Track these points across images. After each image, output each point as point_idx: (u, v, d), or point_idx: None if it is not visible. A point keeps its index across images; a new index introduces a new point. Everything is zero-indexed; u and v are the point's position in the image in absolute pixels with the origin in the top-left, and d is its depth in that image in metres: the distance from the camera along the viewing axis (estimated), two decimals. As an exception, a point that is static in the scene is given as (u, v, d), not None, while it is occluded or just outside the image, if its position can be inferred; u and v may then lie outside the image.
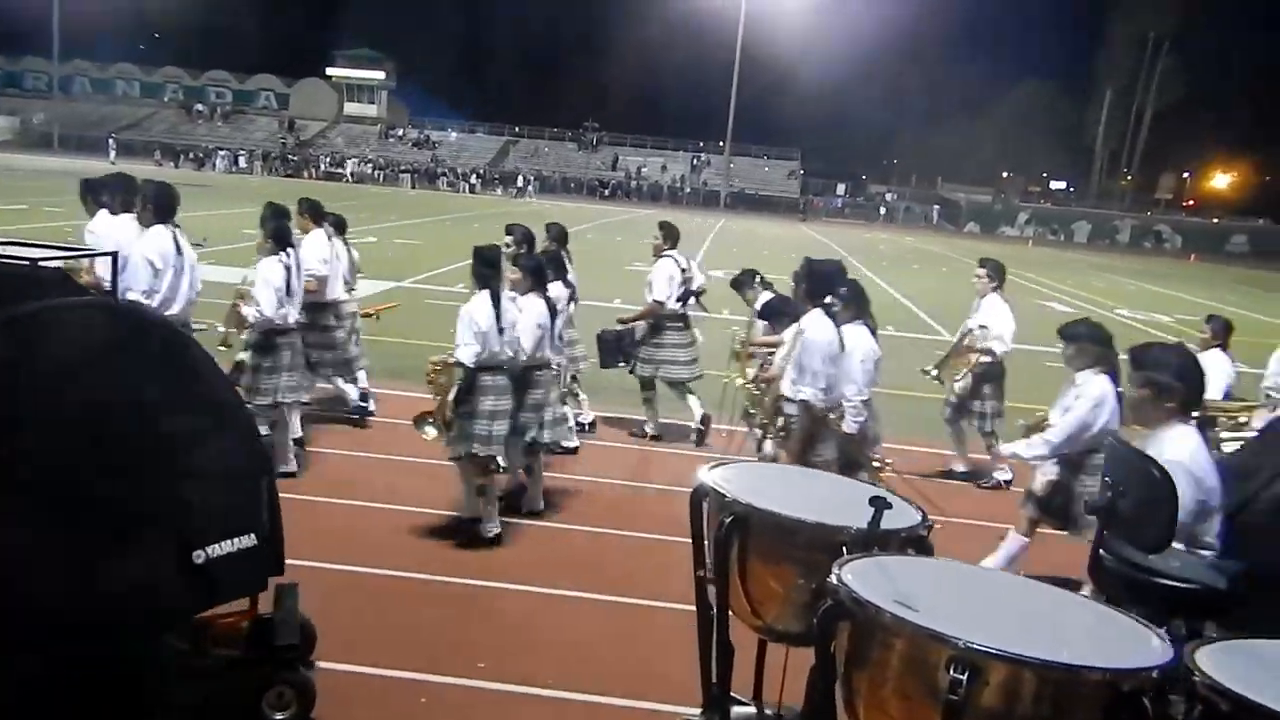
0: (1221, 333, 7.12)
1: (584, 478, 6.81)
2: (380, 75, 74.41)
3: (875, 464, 5.43)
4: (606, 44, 74.87)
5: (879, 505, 2.48)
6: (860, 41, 64.86)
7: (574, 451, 7.21)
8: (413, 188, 56.65)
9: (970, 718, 1.91)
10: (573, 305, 7.16)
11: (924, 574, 2.39)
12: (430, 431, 5.36)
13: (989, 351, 7.19)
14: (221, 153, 60.23)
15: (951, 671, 1.90)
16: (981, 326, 7.27)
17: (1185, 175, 70.82)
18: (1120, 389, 4.74)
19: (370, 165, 61.88)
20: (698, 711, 3.03)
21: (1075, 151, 70.01)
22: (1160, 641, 2.07)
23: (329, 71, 74.48)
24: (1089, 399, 4.82)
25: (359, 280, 8.35)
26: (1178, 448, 3.33)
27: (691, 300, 8.08)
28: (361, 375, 7.81)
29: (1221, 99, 63.23)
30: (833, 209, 64.58)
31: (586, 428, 7.87)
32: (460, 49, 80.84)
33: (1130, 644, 2.05)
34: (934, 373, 7.43)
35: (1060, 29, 75.76)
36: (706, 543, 2.88)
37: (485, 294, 5.35)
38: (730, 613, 2.84)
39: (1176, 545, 3.00)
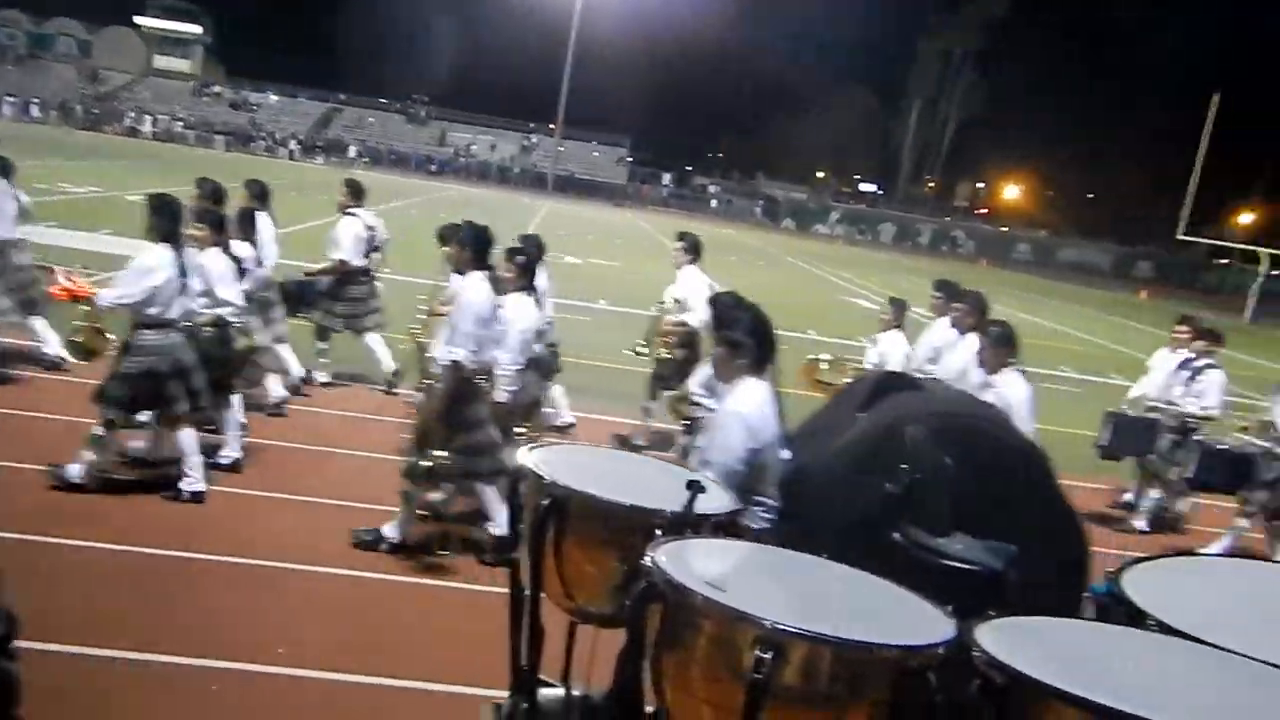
0: (898, 315, 7.74)
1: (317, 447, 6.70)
2: (195, 29, 69.83)
3: (520, 433, 5.58)
4: (439, 15, 73.04)
5: (694, 489, 2.52)
6: (693, 34, 66.17)
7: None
8: (227, 150, 53.56)
9: (772, 695, 1.98)
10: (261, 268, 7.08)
11: (734, 557, 2.45)
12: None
13: (684, 324, 7.39)
14: (9, 99, 55.05)
15: (757, 651, 1.95)
16: (676, 300, 7.56)
17: (980, 185, 76.09)
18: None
19: (181, 124, 58.05)
20: (505, 694, 3.01)
21: (885, 156, 73.95)
22: (947, 620, 2.20)
23: (137, 20, 69.24)
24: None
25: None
26: (742, 399, 3.54)
27: (375, 255, 8.48)
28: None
29: (1015, 117, 68.26)
30: (658, 198, 65.56)
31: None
32: (284, 8, 76.88)
33: (920, 622, 2.17)
34: (643, 348, 7.75)
35: (878, 38, 79.66)
36: (522, 525, 2.85)
37: (165, 247, 5.25)
38: (542, 595, 2.83)
39: (765, 499, 3.39)
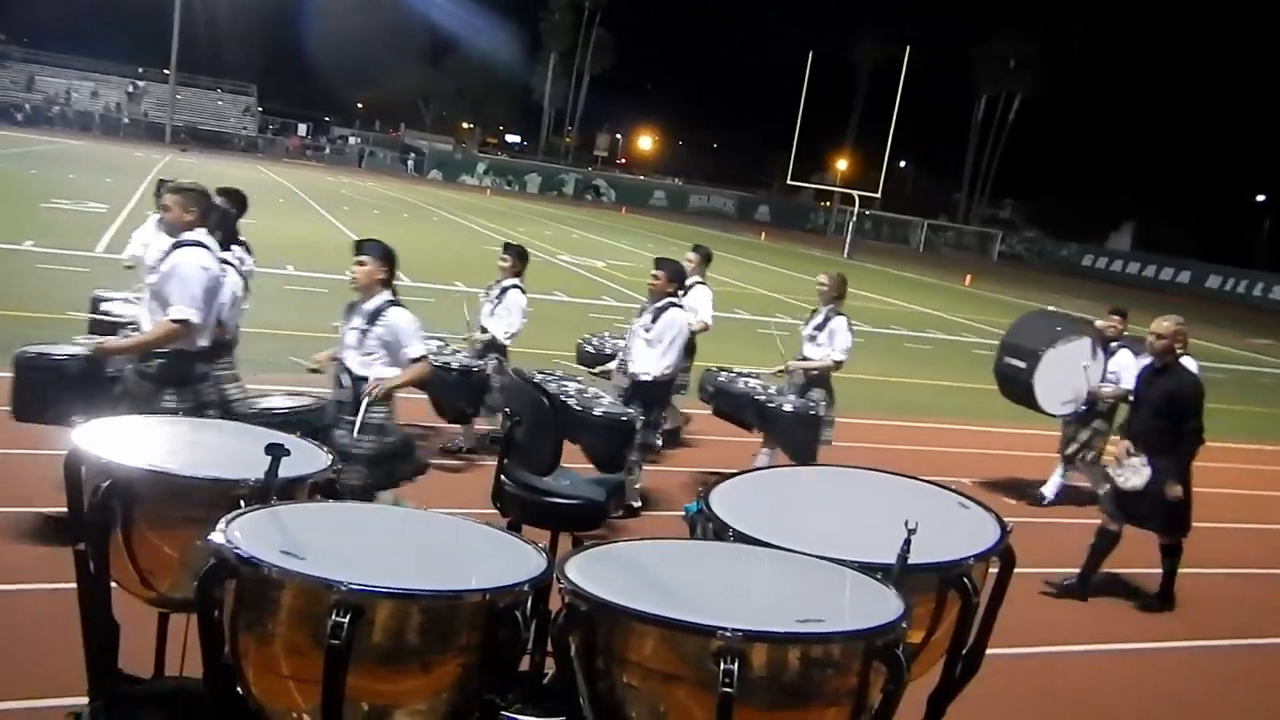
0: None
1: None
2: None
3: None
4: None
5: (276, 453, 2.35)
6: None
7: None
8: None
9: (357, 659, 1.90)
10: None
11: (322, 520, 2.33)
12: None
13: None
14: None
15: (334, 616, 1.86)
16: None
17: (618, 136, 79.21)
18: None
19: None
20: (85, 701, 2.69)
21: (527, 108, 74.62)
22: (538, 556, 2.23)
23: None
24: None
25: None
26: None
27: None
28: None
29: (644, 70, 71.61)
30: (291, 151, 61.63)
31: None
32: None
33: (511, 562, 2.18)
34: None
35: (512, -11, 79.59)
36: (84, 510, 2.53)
37: None
38: (117, 585, 2.54)
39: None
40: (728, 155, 76.91)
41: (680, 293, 6.48)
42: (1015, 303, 28.65)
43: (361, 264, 4.73)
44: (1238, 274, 43.73)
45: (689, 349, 7.36)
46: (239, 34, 62.10)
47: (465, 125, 74.96)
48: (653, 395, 6.19)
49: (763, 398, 6.53)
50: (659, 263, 6.48)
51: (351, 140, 68.48)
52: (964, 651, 2.51)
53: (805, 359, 7.05)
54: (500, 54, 69.63)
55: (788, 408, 6.43)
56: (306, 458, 2.60)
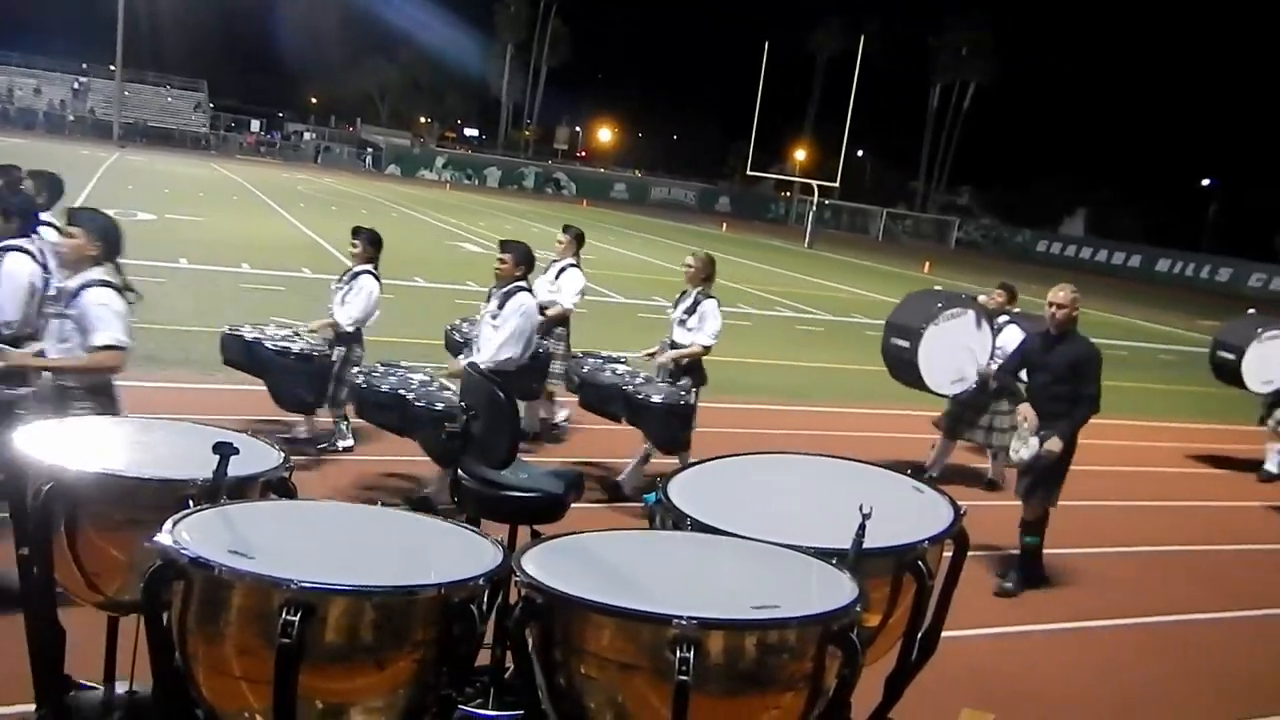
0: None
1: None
2: None
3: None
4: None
5: (224, 452, 2.31)
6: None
7: None
8: None
9: (310, 657, 1.87)
10: None
11: (273, 519, 2.30)
12: None
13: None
14: None
15: (285, 614, 1.84)
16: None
17: (577, 129, 78.97)
18: None
19: None
20: (34, 709, 2.63)
21: (485, 102, 74.11)
22: (494, 550, 2.22)
23: None
24: None
25: None
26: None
27: None
28: None
29: (602, 62, 71.45)
30: (245, 148, 60.75)
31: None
32: None
33: (466, 557, 2.16)
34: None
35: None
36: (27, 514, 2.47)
37: None
38: (64, 590, 2.49)
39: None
40: (688, 147, 77.00)
41: (526, 279, 6.06)
42: (973, 289, 29.00)
43: (70, 235, 4.08)
44: (1186, 257, 44.54)
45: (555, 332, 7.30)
46: (187, 29, 61.03)
47: (423, 120, 74.30)
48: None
49: (630, 388, 6.12)
50: (504, 245, 6.05)
51: (307, 136, 67.64)
52: (920, 634, 2.53)
53: (675, 343, 6.73)
54: (456, 47, 69.11)
55: (657, 398, 6.02)
56: (257, 456, 2.56)
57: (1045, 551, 5.92)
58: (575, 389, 6.72)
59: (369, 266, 6.70)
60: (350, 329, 6.56)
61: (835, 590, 2.05)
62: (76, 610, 2.56)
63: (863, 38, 38.07)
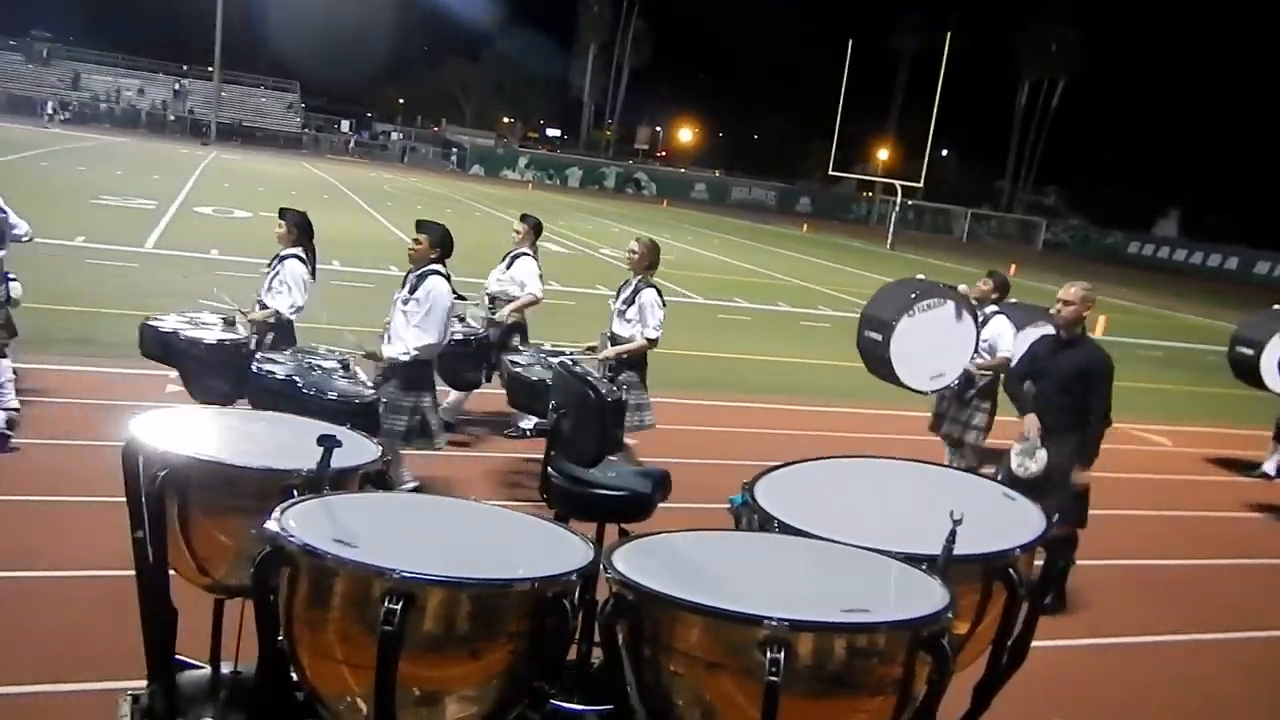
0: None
1: None
2: None
3: None
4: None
5: (328, 444, 2.40)
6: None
7: None
8: None
9: (409, 645, 1.94)
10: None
11: (373, 510, 2.38)
12: None
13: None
14: None
15: (387, 603, 1.90)
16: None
17: (658, 129, 79.11)
18: None
19: None
20: (144, 684, 2.77)
21: (567, 102, 74.76)
22: (585, 547, 2.26)
23: None
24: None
25: None
26: None
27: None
28: None
29: (684, 62, 71.39)
30: (335, 148, 62.34)
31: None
32: None
33: (558, 552, 2.21)
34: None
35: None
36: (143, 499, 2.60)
37: None
38: (175, 572, 2.61)
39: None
40: (768, 146, 76.49)
41: (443, 262, 5.69)
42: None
43: None
44: (1288, 260, 42.79)
45: (520, 329, 7.22)
46: (282, 31, 62.76)
47: (506, 120, 75.26)
48: (414, 375, 5.49)
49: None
50: (420, 226, 5.69)
51: (394, 136, 69.06)
52: (1010, 643, 2.50)
53: (614, 335, 6.32)
54: (538, 48, 69.84)
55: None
56: (357, 449, 2.65)
57: (1136, 563, 5.77)
58: (504, 384, 6.26)
59: (297, 250, 6.29)
60: (292, 315, 6.26)
61: (926, 596, 2.04)
62: (182, 591, 2.69)
63: (949, 36, 37.34)
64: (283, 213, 6.45)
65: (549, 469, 3.12)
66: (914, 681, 1.96)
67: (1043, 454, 5.12)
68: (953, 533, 2.18)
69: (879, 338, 6.81)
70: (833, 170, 43.52)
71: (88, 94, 59.46)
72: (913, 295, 6.84)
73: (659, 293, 6.28)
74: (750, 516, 2.63)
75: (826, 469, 3.22)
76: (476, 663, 2.02)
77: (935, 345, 6.72)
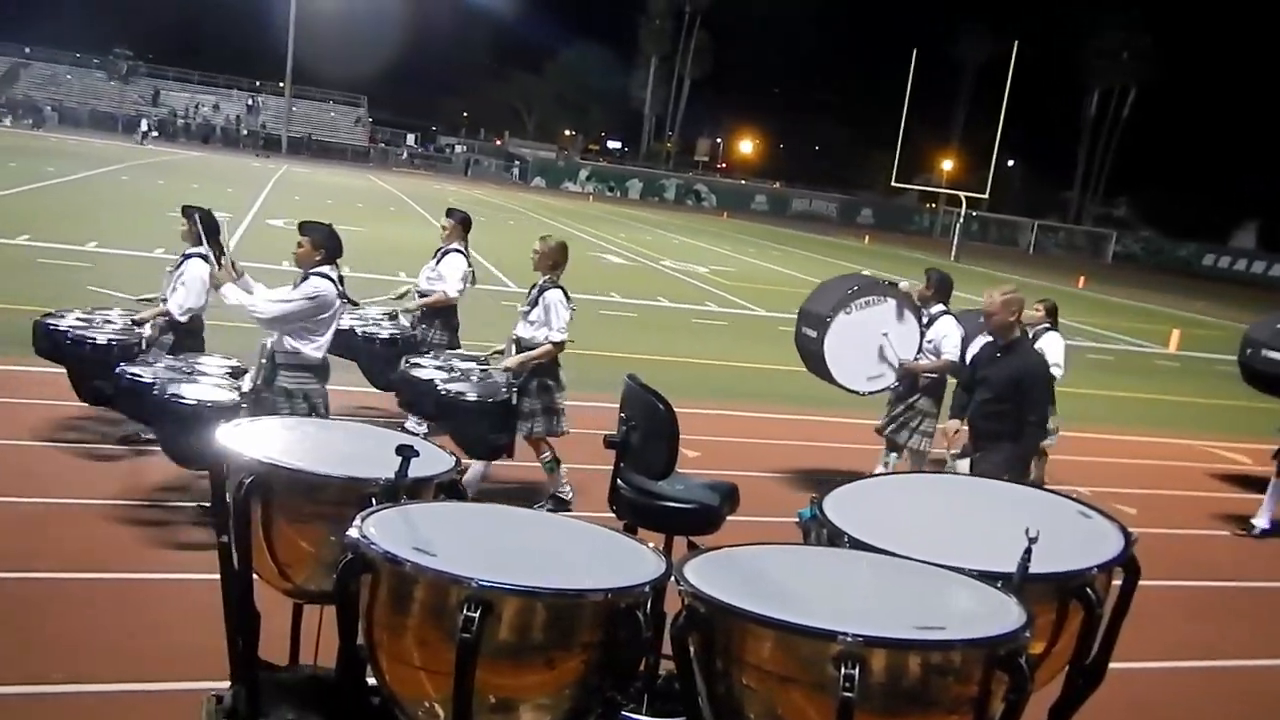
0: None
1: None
2: None
3: None
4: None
5: (405, 454, 2.45)
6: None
7: None
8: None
9: (485, 652, 1.98)
10: None
11: (449, 519, 2.42)
12: None
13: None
14: None
15: (465, 610, 1.94)
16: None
17: (718, 141, 79.11)
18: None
19: None
20: (227, 685, 2.85)
21: (627, 114, 75.16)
22: (656, 559, 2.28)
23: None
24: None
25: None
26: None
27: None
28: None
29: (744, 74, 71.17)
30: (401, 160, 63.51)
31: None
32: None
33: (630, 564, 2.23)
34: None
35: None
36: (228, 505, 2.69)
37: None
38: (258, 577, 2.69)
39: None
40: (829, 158, 76.03)
41: (333, 264, 5.38)
42: (1130, 305, 27.59)
43: None
44: (1374, 273, 41.27)
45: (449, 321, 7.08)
46: (350, 47, 64.15)
47: (567, 132, 75.90)
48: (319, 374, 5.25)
49: (442, 386, 5.41)
50: (303, 227, 5.35)
51: (458, 149, 70.06)
52: (1087, 663, 2.46)
53: (519, 338, 6.01)
54: (600, 61, 70.33)
55: (472, 397, 5.32)
56: (433, 459, 2.71)
57: (1206, 585, 5.62)
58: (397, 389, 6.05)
59: (201, 249, 5.92)
60: (183, 319, 6.11)
61: (1002, 614, 2.03)
62: (262, 595, 2.77)
63: (1015, 45, 36.77)
64: (185, 210, 6.30)
65: (618, 480, 3.16)
66: (991, 701, 1.95)
67: (963, 465, 4.94)
68: (1028, 550, 2.16)
69: (814, 334, 6.57)
70: (895, 181, 43.08)
71: (166, 109, 61.36)
72: (850, 291, 6.59)
73: (565, 294, 6.00)
74: (820, 531, 2.62)
75: (898, 483, 3.22)
76: (551, 671, 2.06)
77: (870, 344, 6.46)
